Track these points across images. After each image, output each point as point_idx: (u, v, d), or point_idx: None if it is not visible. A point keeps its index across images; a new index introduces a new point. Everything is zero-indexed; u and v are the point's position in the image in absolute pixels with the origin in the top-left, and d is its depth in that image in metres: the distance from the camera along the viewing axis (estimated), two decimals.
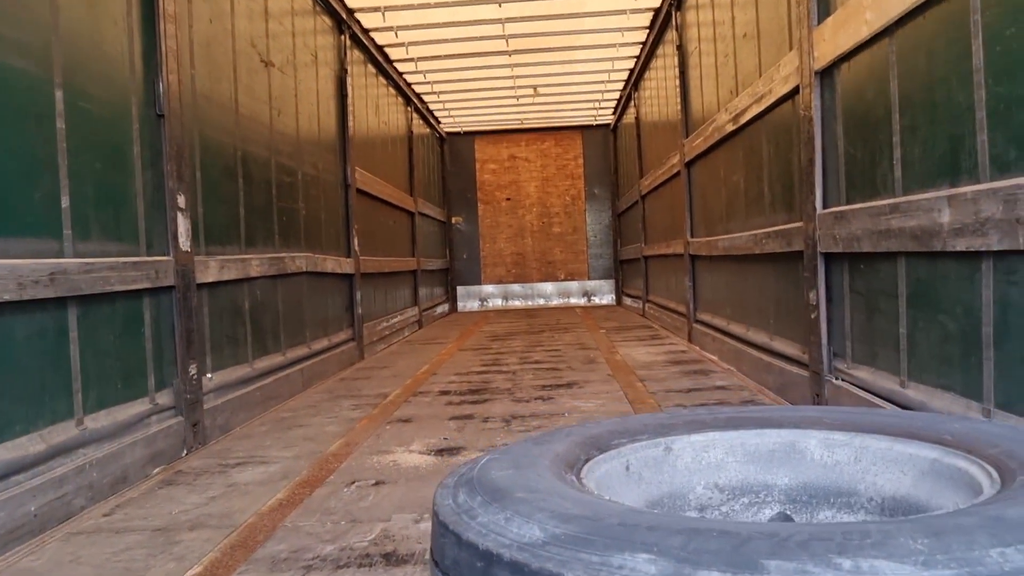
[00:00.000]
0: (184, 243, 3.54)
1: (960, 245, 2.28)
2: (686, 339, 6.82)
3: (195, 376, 3.55)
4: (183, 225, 3.54)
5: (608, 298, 13.37)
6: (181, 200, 3.53)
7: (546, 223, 13.58)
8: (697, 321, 6.52)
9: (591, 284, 13.47)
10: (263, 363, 4.54)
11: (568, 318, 10.34)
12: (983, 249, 2.17)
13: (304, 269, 5.33)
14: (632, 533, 1.00)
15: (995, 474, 1.24)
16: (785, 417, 1.64)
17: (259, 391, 4.35)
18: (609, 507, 1.12)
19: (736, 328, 5.18)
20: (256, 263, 4.46)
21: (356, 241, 6.76)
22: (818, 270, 3.43)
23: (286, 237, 5.12)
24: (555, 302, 13.49)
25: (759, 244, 4.38)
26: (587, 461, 1.42)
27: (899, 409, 2.71)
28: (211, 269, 3.87)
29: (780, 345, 4.17)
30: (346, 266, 6.46)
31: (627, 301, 11.97)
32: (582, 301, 13.44)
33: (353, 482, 2.88)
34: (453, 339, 8.24)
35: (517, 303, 13.52)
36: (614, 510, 1.10)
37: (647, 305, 9.64)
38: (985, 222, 2.14)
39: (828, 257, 3.40)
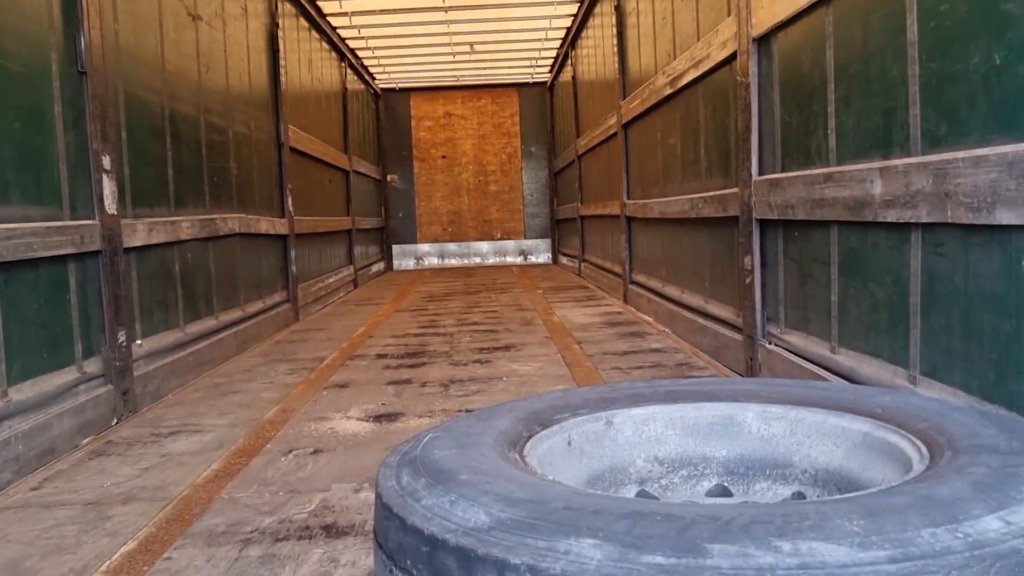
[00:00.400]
0: (110, 206, 3.42)
1: (891, 216, 2.33)
2: (622, 300, 6.88)
3: (124, 343, 3.46)
4: (109, 187, 3.42)
5: (544, 257, 13.41)
6: (106, 161, 3.41)
7: (482, 181, 13.52)
8: (633, 282, 6.59)
9: (527, 243, 13.48)
10: (195, 327, 4.44)
11: (505, 278, 10.35)
12: (913, 221, 2.23)
13: (237, 230, 5.22)
14: (577, 517, 1.01)
15: (924, 449, 1.28)
16: (723, 390, 1.67)
17: (192, 356, 4.26)
18: (554, 489, 1.12)
19: (671, 290, 5.24)
20: (186, 225, 4.35)
21: (290, 201, 6.63)
22: (753, 236, 3.48)
23: (218, 198, 4.99)
24: (491, 261, 13.49)
25: (695, 208, 4.42)
26: (530, 438, 1.43)
27: (830, 375, 2.78)
28: (139, 232, 3.76)
29: (715, 308, 4.24)
30: (280, 226, 6.34)
31: (563, 260, 12.03)
32: (518, 260, 13.46)
33: (291, 451, 2.85)
34: (389, 300, 8.19)
35: (453, 262, 13.47)
36: (559, 493, 1.10)
37: (583, 265, 9.70)
38: (915, 195, 2.19)
39: (763, 223, 3.45)
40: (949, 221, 2.05)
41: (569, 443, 1.50)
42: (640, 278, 6.34)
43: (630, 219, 6.61)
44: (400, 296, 8.50)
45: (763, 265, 3.48)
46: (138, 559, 1.98)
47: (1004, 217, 1.83)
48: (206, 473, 2.63)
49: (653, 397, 1.64)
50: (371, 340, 5.40)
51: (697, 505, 1.05)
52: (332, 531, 2.10)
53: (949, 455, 1.19)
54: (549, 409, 1.57)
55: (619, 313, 6.23)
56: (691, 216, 4.55)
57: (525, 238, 13.50)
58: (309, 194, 7.62)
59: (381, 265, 12.49)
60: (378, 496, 1.21)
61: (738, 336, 3.76)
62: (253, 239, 5.67)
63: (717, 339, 4.11)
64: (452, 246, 13.51)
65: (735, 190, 3.69)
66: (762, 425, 1.57)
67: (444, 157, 13.51)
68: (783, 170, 3.22)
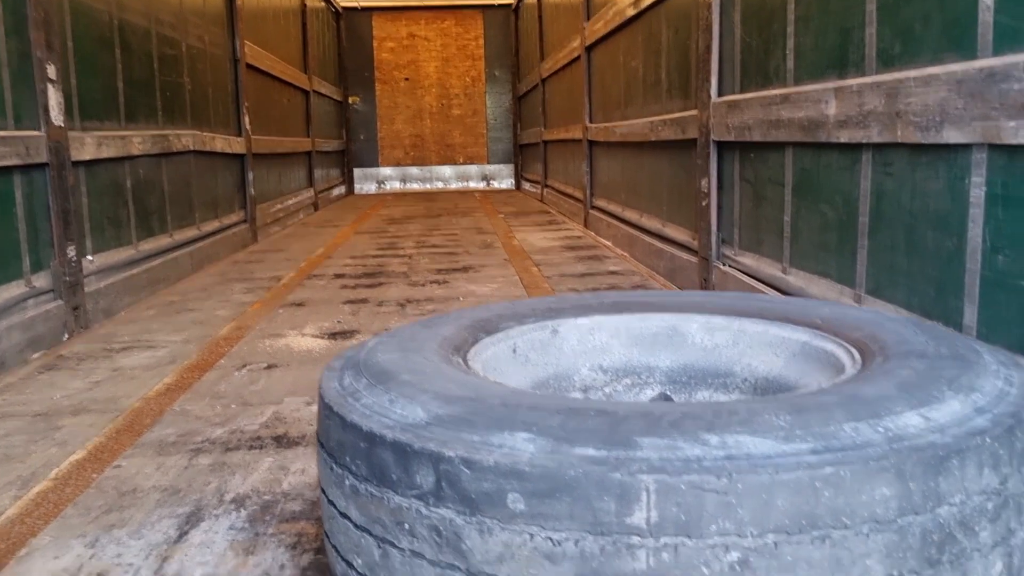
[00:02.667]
0: (56, 117, 3.32)
1: (844, 137, 2.34)
2: (582, 225, 6.89)
3: (74, 258, 3.40)
4: (54, 98, 3.31)
5: (507, 183, 13.34)
6: (51, 71, 3.30)
7: (445, 105, 13.33)
8: (593, 207, 6.59)
9: (490, 168, 13.39)
10: (148, 245, 4.38)
11: (467, 202, 10.29)
12: (864, 141, 2.24)
13: (191, 148, 5.11)
14: (513, 413, 1.02)
15: (857, 355, 1.31)
16: (669, 302, 1.69)
17: (145, 274, 4.21)
18: (492, 388, 1.14)
19: (630, 214, 5.26)
20: (138, 140, 4.25)
21: (247, 119, 6.49)
22: (710, 158, 3.48)
23: (171, 114, 4.87)
24: (454, 186, 13.39)
25: (655, 131, 4.41)
26: (474, 344, 1.44)
27: (779, 294, 2.83)
28: (88, 146, 3.66)
29: (672, 231, 4.26)
30: (236, 145, 6.22)
31: (526, 186, 11.98)
32: (481, 185, 13.38)
33: (244, 366, 2.85)
34: (349, 222, 8.12)
35: (415, 186, 13.36)
36: (497, 391, 1.12)
37: (545, 190, 9.67)
38: (868, 115, 2.20)
39: (721, 145, 3.46)
40: (899, 141, 2.07)
41: (514, 350, 1.52)
42: (601, 203, 6.34)
43: (592, 143, 6.58)
44: (361, 219, 8.43)
45: (719, 188, 3.50)
46: (87, 467, 1.98)
47: (951, 136, 1.85)
48: (158, 387, 2.63)
49: (599, 308, 1.66)
50: (330, 261, 5.37)
51: (631, 403, 1.07)
52: (283, 441, 2.11)
53: (880, 360, 1.22)
54: (495, 318, 1.58)
55: (579, 237, 6.24)
56: (651, 139, 4.54)
57: (488, 163, 13.40)
58: (267, 113, 7.46)
59: (342, 189, 12.34)
60: (320, 397, 1.21)
61: (693, 258, 3.80)
62: (208, 157, 5.56)
63: (673, 262, 4.14)
64: (414, 170, 13.38)
65: (694, 112, 3.68)
66: (705, 336, 1.60)
67: (407, 80, 13.27)
68: (742, 91, 3.21)
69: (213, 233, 5.52)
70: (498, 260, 5.15)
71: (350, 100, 13.01)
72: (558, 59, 8.15)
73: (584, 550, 0.91)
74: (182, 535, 1.61)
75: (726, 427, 0.95)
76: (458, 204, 10.05)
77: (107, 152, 3.86)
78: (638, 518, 0.89)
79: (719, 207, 3.51)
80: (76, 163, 3.54)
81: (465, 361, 1.35)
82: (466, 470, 0.95)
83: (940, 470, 0.93)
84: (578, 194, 7.24)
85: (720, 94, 3.41)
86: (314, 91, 9.90)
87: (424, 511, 0.99)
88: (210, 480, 1.88)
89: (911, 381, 1.09)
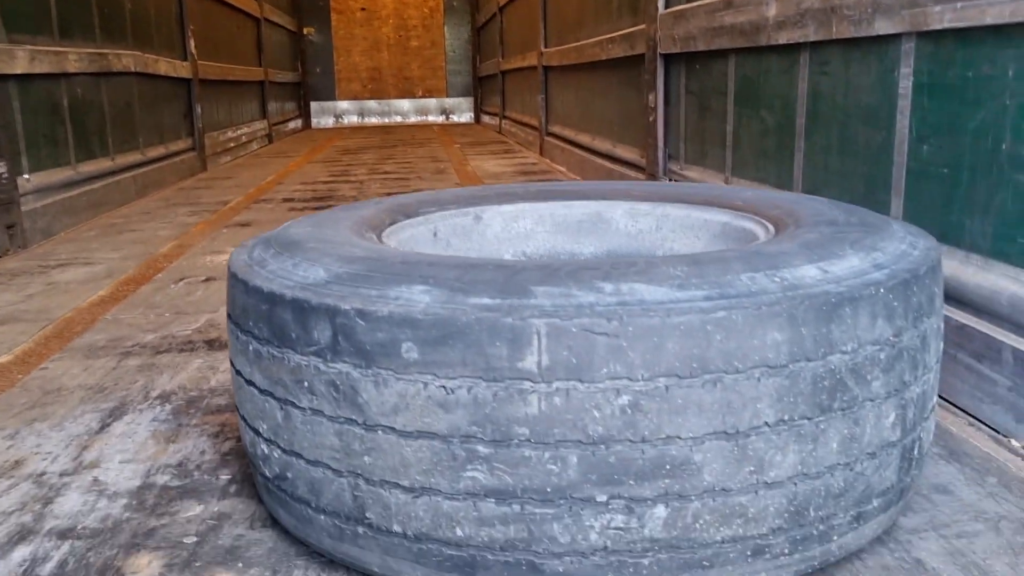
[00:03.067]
0: None
1: (783, 38, 2.32)
2: (538, 152, 6.84)
3: (6, 175, 3.31)
4: None
5: (467, 116, 13.18)
6: None
7: (403, 36, 13.07)
8: (549, 134, 6.54)
9: (449, 102, 13.21)
10: (89, 167, 4.27)
11: (424, 134, 10.17)
12: (802, 41, 2.22)
13: (133, 69, 4.96)
14: (411, 269, 1.01)
15: (772, 228, 1.31)
16: (594, 190, 1.68)
17: (85, 196, 4.12)
18: (395, 252, 1.12)
19: (583, 138, 5.22)
20: (74, 58, 4.11)
21: (192, 43, 6.31)
22: (657, 72, 3.45)
23: (110, 32, 4.71)
24: (413, 119, 13.21)
25: (605, 49, 4.36)
26: (391, 224, 1.42)
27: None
28: (19, 60, 3.54)
29: (622, 151, 4.25)
30: (182, 70, 6.05)
31: (485, 119, 11.85)
32: (440, 119, 13.22)
33: (182, 279, 2.81)
34: (303, 153, 7.99)
35: (374, 120, 13.16)
36: (399, 254, 1.10)
37: (504, 121, 9.58)
38: (804, 13, 2.18)
39: (667, 59, 3.42)
40: (834, 37, 2.05)
41: (435, 234, 1.50)
42: (556, 129, 6.29)
43: (547, 68, 6.49)
44: (315, 150, 8.30)
45: (666, 102, 3.47)
46: (12, 369, 1.95)
47: (882, 27, 1.84)
48: (92, 298, 2.58)
49: (524, 196, 1.64)
50: (280, 187, 5.29)
51: (530, 259, 1.07)
52: (215, 344, 2.09)
53: (792, 229, 1.23)
54: (417, 203, 1.56)
55: (534, 164, 6.20)
56: (602, 58, 4.48)
57: (447, 96, 13.21)
58: (215, 39, 7.26)
59: (299, 122, 12.12)
60: (228, 268, 1.19)
61: (641, 176, 3.79)
62: (152, 80, 5.41)
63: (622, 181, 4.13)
64: (372, 104, 13.16)
65: (642, 27, 3.63)
66: (630, 221, 1.59)
67: (363, 10, 12.97)
68: (688, 1, 3.16)
69: (159, 159, 5.40)
70: (450, 184, 5.10)
71: (305, 31, 12.70)
72: None
73: (477, 396, 0.91)
74: (104, 427, 1.59)
75: (622, 276, 0.95)
76: (415, 136, 9.93)
77: (41, 68, 3.73)
78: (530, 362, 0.89)
79: (666, 122, 3.49)
80: (6, 77, 3.42)
81: (379, 239, 1.34)
82: (361, 322, 0.94)
83: (832, 318, 0.94)
84: (534, 122, 7.17)
85: (668, 6, 3.36)
86: (265, 19, 9.64)
87: (322, 367, 0.98)
88: (137, 379, 1.86)
89: (815, 242, 1.09)
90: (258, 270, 1.12)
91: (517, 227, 1.59)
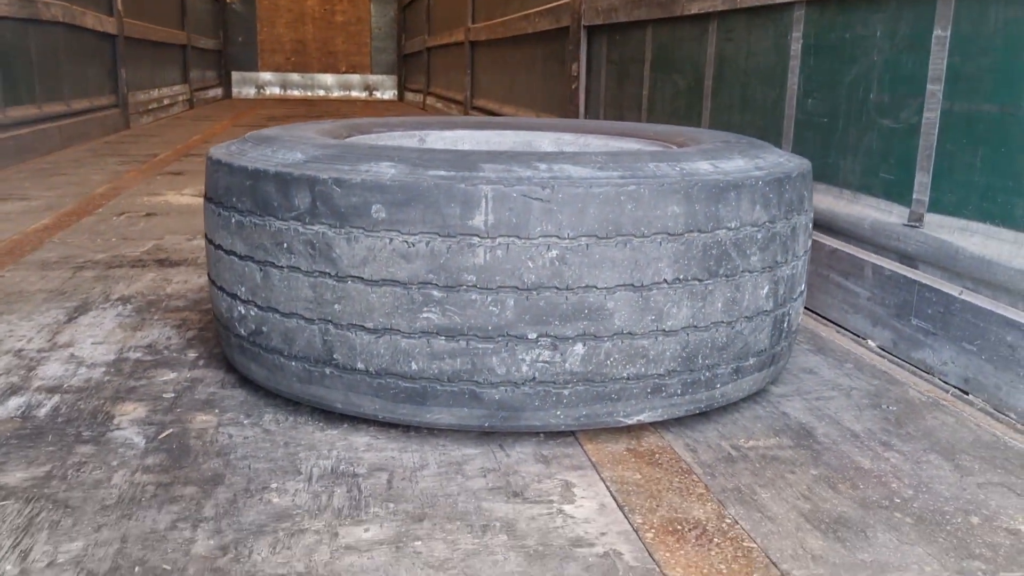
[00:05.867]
0: None
1: (694, 8, 2.57)
2: None
3: None
4: None
5: (390, 94, 13.25)
6: None
7: (328, 10, 13.04)
8: (473, 108, 6.73)
9: (373, 78, 13.25)
10: (15, 112, 4.28)
11: (349, 108, 10.22)
12: (711, 11, 2.48)
13: (60, 19, 4.95)
14: (379, 152, 1.20)
15: (677, 150, 1.54)
16: (526, 123, 1.89)
17: (12, 141, 4.13)
18: (363, 143, 1.31)
19: (508, 110, 5.43)
20: (4, 1, 4.11)
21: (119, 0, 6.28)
22: (581, 43, 3.68)
23: None
24: (336, 94, 13.20)
25: (532, 23, 4.57)
26: (348, 138, 1.60)
27: None
28: None
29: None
30: (108, 25, 6.02)
31: (409, 96, 11.96)
32: (363, 95, 13.24)
33: (123, 214, 2.92)
34: (228, 118, 7.99)
35: (296, 93, 13.10)
36: (366, 144, 1.29)
37: (427, 98, 9.71)
38: None
39: (590, 30, 3.66)
40: (738, 7, 2.31)
41: None
42: (480, 103, 6.48)
43: (474, 44, 6.68)
44: (239, 116, 8.30)
45: (588, 72, 3.71)
46: None
47: None
48: (36, 225, 2.67)
49: (464, 124, 1.84)
50: (207, 145, 5.34)
51: (481, 148, 1.27)
52: (165, 263, 2.23)
53: (693, 146, 1.46)
54: (370, 124, 1.74)
55: None
56: (528, 32, 4.70)
57: (372, 73, 13.25)
58: None
59: (219, 91, 11.98)
60: (208, 159, 1.36)
61: None
62: (79, 33, 5.39)
63: None
64: (295, 76, 13.10)
65: (568, 0, 3.86)
66: (556, 149, 1.81)
67: None
68: None
69: (83, 112, 5.39)
70: None
71: None
72: None
73: (434, 249, 1.11)
74: (71, 319, 1.73)
75: (554, 160, 1.16)
76: (340, 108, 9.98)
77: None
78: (478, 221, 1.10)
79: (587, 91, 3.73)
80: None
81: None
82: (337, 188, 1.13)
83: (720, 199, 1.17)
84: (459, 97, 7.35)
85: None
86: None
87: (301, 229, 1.17)
88: (95, 286, 1.99)
89: (711, 150, 1.32)
90: (240, 156, 1.29)
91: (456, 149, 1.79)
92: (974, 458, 1.19)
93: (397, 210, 1.11)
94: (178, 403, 1.32)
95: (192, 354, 1.54)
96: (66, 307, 1.81)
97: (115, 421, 1.25)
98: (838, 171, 1.88)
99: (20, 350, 1.55)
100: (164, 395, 1.35)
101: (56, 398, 1.33)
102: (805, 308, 1.90)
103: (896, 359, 1.59)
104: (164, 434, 1.21)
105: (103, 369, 1.46)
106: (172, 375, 1.44)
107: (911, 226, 1.63)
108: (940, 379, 1.49)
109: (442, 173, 1.12)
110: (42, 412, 1.28)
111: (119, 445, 1.17)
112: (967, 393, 1.43)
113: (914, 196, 1.63)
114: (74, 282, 2.02)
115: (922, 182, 1.61)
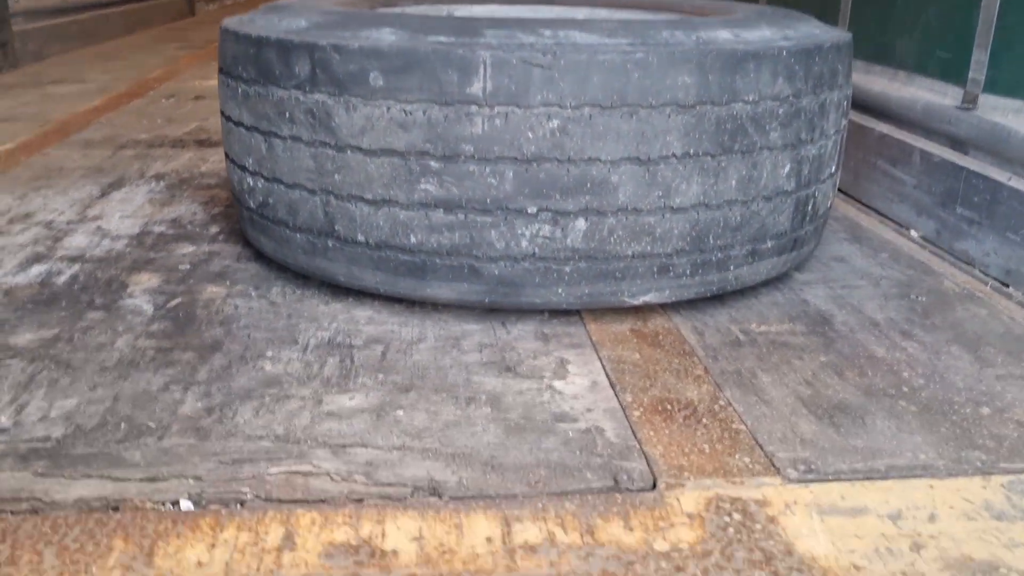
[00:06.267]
0: None
1: None
2: None
3: None
4: None
5: None
6: None
7: None
8: None
9: None
10: None
11: None
12: None
13: None
14: (381, 18, 1.16)
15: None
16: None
17: (75, 25, 4.16)
18: (369, 11, 1.27)
19: None
20: None
21: None
22: None
23: None
24: None
25: None
26: (372, 9, 1.55)
27: None
28: None
29: None
30: None
31: None
32: None
33: (172, 96, 2.93)
34: None
35: None
36: (372, 12, 1.25)
37: None
38: None
39: None
40: None
41: None
42: None
43: None
44: None
45: None
46: (16, 153, 2.10)
47: None
48: (86, 107, 2.71)
49: None
50: None
51: (487, 16, 1.21)
52: (205, 143, 2.24)
53: (725, 16, 1.37)
54: None
55: None
56: None
57: None
58: None
59: None
60: (221, 28, 1.33)
61: None
62: None
63: None
64: None
65: None
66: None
67: None
68: None
69: None
70: None
71: None
72: None
73: (431, 117, 1.07)
74: (104, 194, 1.76)
75: (562, 26, 1.10)
76: None
77: None
78: (476, 88, 1.05)
79: None
80: None
81: None
82: (336, 55, 1.10)
83: (737, 70, 1.10)
84: None
85: None
86: None
87: (301, 98, 1.14)
88: (133, 164, 2.01)
89: (738, 20, 1.24)
90: (247, 24, 1.26)
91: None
92: (999, 351, 1.13)
93: (395, 77, 1.07)
94: (192, 275, 1.33)
95: (214, 229, 1.55)
96: (101, 183, 1.84)
97: (128, 290, 1.27)
98: (894, 51, 1.76)
99: (51, 222, 1.58)
100: (180, 267, 1.37)
101: (76, 267, 1.36)
102: (848, 196, 1.82)
103: (937, 250, 1.51)
104: (172, 303, 1.23)
105: (125, 241, 1.48)
106: (191, 248, 1.45)
107: (964, 108, 1.52)
108: (981, 270, 1.41)
109: (442, 39, 1.07)
110: (61, 280, 1.31)
111: (128, 312, 1.19)
112: (1007, 286, 1.35)
113: (970, 75, 1.52)
114: (113, 160, 2.04)
115: (979, 60, 1.49)
